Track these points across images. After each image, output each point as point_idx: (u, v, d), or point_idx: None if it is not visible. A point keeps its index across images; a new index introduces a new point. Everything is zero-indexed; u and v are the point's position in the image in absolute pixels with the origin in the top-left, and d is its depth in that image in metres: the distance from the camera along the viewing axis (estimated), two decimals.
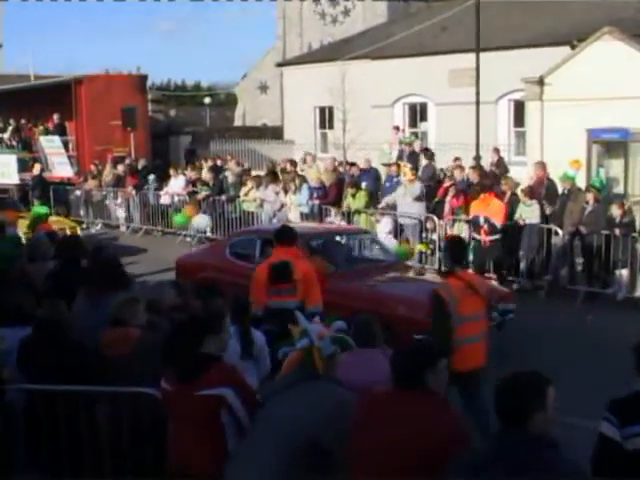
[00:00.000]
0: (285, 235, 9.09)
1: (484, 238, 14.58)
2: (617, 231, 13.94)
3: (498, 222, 14.56)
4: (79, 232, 18.34)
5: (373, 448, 4.04)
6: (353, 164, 19.93)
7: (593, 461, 4.33)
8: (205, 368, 4.78)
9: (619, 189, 19.20)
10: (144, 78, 32.44)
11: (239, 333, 6.63)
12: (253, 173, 22.18)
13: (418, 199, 16.75)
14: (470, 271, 10.02)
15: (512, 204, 15.52)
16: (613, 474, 4.22)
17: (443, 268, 12.35)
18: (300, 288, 8.51)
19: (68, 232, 17.00)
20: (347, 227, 14.46)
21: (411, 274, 12.09)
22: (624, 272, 14.37)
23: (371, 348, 6.05)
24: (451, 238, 10.17)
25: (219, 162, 23.61)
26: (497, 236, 14.64)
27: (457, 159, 18.87)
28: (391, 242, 15.81)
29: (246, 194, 20.28)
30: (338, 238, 13.07)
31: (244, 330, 6.68)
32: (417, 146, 21.10)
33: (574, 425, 8.27)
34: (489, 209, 14.58)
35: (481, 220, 14.55)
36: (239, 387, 4.83)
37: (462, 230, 15.85)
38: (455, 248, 7.92)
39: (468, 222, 15.66)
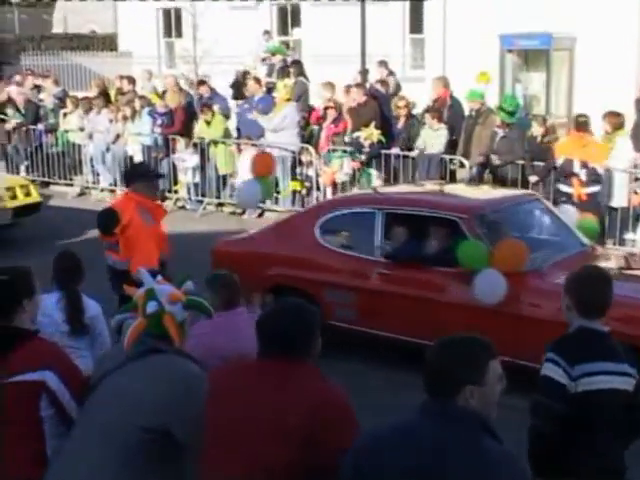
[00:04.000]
0: (126, 173, 9.01)
1: (579, 191, 13.51)
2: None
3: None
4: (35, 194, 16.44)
5: (234, 431, 4.09)
6: (203, 82, 19.73)
7: (534, 411, 4.67)
8: (17, 347, 4.68)
9: (540, 109, 19.66)
10: None
11: (67, 300, 6.56)
12: (79, 95, 21.74)
13: (291, 125, 16.81)
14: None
15: (408, 129, 15.83)
16: (563, 421, 4.56)
17: None
18: (121, 243, 8.38)
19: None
20: (513, 193, 11.91)
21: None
22: None
23: (233, 309, 6.14)
24: None
25: (34, 81, 23.02)
26: (597, 188, 13.54)
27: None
28: None
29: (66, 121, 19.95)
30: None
31: (73, 296, 6.59)
32: (290, 58, 21.10)
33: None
34: (586, 151, 13.60)
35: (576, 166, 13.48)
36: (62, 368, 4.75)
37: (343, 163, 16.05)
38: None
39: (352, 153, 15.90)
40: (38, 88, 22.05)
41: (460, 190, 11.95)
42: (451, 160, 15.47)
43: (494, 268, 8.74)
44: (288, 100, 17.11)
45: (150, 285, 4.76)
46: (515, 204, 10.56)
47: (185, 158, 17.83)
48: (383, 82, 18.17)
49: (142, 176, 8.74)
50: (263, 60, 21.61)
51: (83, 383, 4.78)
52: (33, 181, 20.10)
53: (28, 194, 16.13)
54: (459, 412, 3.49)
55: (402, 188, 12.32)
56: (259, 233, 11.24)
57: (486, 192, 11.83)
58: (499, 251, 8.83)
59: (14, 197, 15.75)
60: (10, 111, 20.64)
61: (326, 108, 16.83)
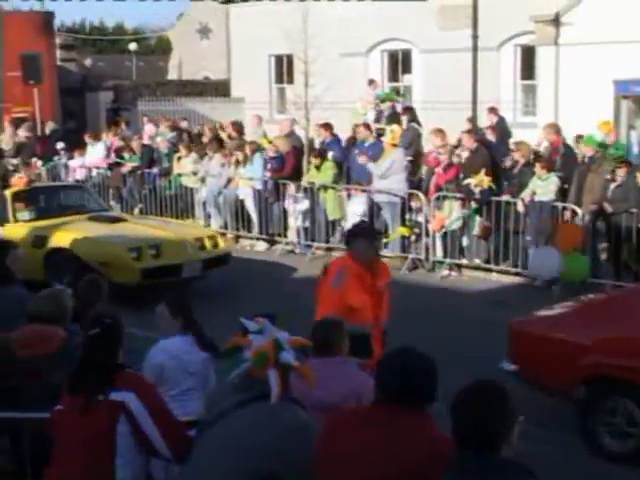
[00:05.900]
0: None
1: None
2: None
3: None
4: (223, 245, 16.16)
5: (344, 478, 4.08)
6: (327, 125, 19.37)
7: None
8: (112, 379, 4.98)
9: None
10: (50, 16, 32.04)
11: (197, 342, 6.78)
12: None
13: (399, 170, 16.78)
14: None
15: (521, 177, 15.66)
16: None
17: None
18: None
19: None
20: None
21: None
22: None
23: (330, 357, 6.06)
24: None
25: (149, 125, 23.47)
26: None
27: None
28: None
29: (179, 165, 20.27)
30: None
31: (200, 338, 6.80)
32: (400, 105, 21.10)
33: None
34: None
35: None
36: (143, 391, 4.96)
37: (453, 209, 15.94)
38: None
39: (463, 200, 15.79)
40: (156, 133, 22.49)
41: None
42: (563, 208, 15.25)
43: None
44: (394, 146, 17.09)
45: (275, 335, 4.74)
46: None
47: (297, 202, 17.96)
48: (492, 128, 18.07)
49: (359, 235, 8.34)
50: (377, 105, 21.64)
51: (165, 412, 5.04)
52: None
53: (216, 245, 15.72)
54: (514, 465, 3.50)
55: None
56: (567, 312, 9.71)
57: None
58: None
59: (202, 248, 15.32)
60: (127, 155, 21.09)
61: (436, 154, 16.76)
